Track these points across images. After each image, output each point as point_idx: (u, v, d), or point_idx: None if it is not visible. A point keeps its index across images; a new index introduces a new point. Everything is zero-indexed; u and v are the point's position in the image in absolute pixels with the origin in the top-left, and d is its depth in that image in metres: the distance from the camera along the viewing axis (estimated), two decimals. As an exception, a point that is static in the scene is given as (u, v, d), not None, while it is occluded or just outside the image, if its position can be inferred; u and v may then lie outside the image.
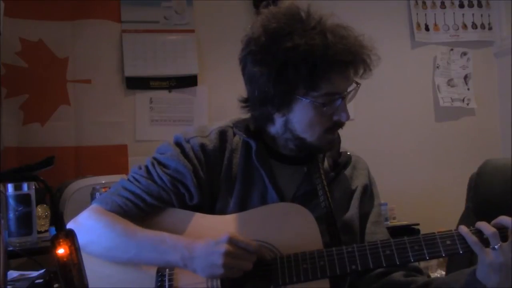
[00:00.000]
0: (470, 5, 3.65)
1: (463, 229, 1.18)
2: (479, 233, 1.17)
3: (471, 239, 1.16)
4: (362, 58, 1.25)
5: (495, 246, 1.14)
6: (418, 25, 3.58)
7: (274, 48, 1.23)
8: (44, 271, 1.37)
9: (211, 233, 1.22)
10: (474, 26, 3.65)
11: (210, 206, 1.33)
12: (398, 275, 1.32)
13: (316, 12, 1.26)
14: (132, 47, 3.15)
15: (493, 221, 1.18)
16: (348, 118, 1.28)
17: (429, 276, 1.38)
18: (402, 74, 3.53)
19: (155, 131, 3.17)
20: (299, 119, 1.28)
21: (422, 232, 1.86)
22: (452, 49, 3.61)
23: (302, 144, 1.31)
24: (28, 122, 2.95)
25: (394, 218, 3.19)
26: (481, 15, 3.66)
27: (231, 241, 1.16)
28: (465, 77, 3.62)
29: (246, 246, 1.17)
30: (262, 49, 1.25)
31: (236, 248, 1.16)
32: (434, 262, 3.02)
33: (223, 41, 3.14)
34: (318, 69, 1.21)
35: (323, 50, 1.21)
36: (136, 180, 1.32)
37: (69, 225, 1.29)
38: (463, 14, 3.64)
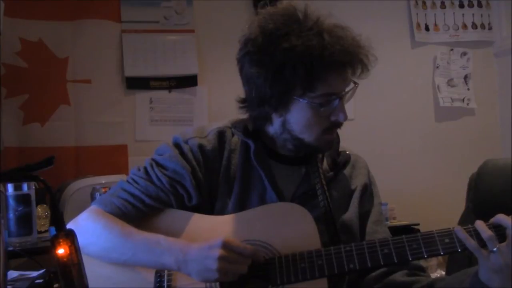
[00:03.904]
0: (470, 5, 3.65)
1: (461, 233, 1.17)
2: (476, 233, 1.16)
3: (470, 243, 1.15)
4: (360, 58, 1.25)
5: (493, 249, 1.14)
6: (418, 25, 3.58)
7: (271, 49, 1.23)
8: (44, 271, 1.37)
9: (210, 233, 1.22)
10: (474, 26, 3.65)
11: (209, 207, 1.33)
12: (400, 275, 1.32)
13: (313, 13, 1.26)
14: (132, 47, 3.15)
15: (491, 220, 1.18)
16: (345, 118, 1.28)
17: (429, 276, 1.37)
18: (402, 74, 3.53)
19: (155, 131, 3.17)
20: (296, 119, 1.28)
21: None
22: (452, 49, 3.61)
23: (301, 144, 1.31)
24: (28, 122, 2.95)
25: (394, 218, 3.20)
26: (481, 15, 3.66)
27: (225, 245, 1.16)
28: (465, 77, 3.62)
29: (241, 250, 1.17)
30: (259, 50, 1.25)
31: (230, 253, 1.16)
32: (434, 262, 3.03)
33: (223, 41, 3.14)
34: (315, 70, 1.21)
35: (320, 51, 1.21)
36: (135, 181, 1.32)
37: (69, 226, 1.29)
38: (463, 14, 3.64)
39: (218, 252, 1.15)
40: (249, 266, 1.18)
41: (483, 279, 1.17)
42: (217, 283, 1.20)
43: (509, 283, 1.14)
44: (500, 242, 1.14)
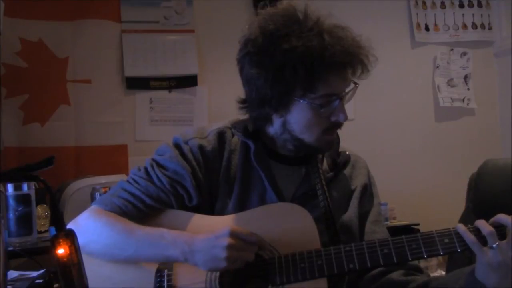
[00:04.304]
0: (470, 5, 3.65)
1: (461, 228, 1.18)
2: (477, 232, 1.17)
3: (469, 238, 1.16)
4: (360, 59, 1.26)
5: (493, 245, 1.14)
6: (418, 25, 3.58)
7: (272, 49, 1.23)
8: (44, 271, 1.37)
9: (210, 233, 1.22)
10: (474, 26, 3.65)
11: (209, 207, 1.33)
12: (397, 274, 1.33)
13: (313, 13, 1.26)
14: (132, 47, 3.15)
15: (491, 219, 1.18)
16: (346, 118, 1.28)
17: (428, 276, 1.37)
18: (402, 74, 3.53)
19: (155, 131, 3.17)
20: (297, 120, 1.28)
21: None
22: (452, 49, 3.61)
23: (301, 144, 1.31)
24: (28, 122, 2.95)
25: (394, 218, 3.20)
26: (481, 15, 3.66)
27: (232, 234, 1.16)
28: (465, 77, 3.62)
29: (247, 238, 1.18)
30: (260, 51, 1.25)
31: (237, 240, 1.16)
32: (434, 262, 3.03)
33: (223, 41, 3.14)
34: (316, 70, 1.21)
35: (320, 52, 1.21)
36: (136, 181, 1.33)
37: (69, 226, 1.29)
38: (463, 14, 3.64)
39: (226, 241, 1.15)
40: (249, 265, 1.18)
41: (480, 277, 1.17)
42: (217, 283, 1.20)
43: (506, 282, 1.14)
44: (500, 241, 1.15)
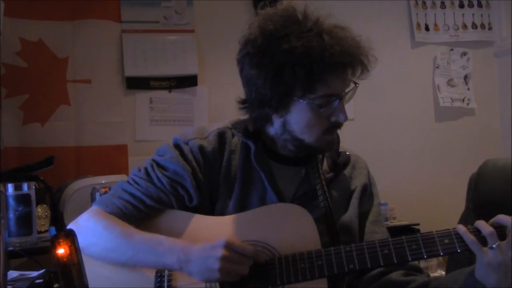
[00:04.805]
0: (470, 5, 3.65)
1: (461, 229, 1.18)
2: (477, 232, 1.17)
3: (469, 238, 1.16)
4: (360, 59, 1.25)
5: (493, 245, 1.14)
6: (418, 25, 3.58)
7: (271, 50, 1.23)
8: (44, 271, 1.38)
9: (210, 234, 1.22)
10: (474, 26, 3.65)
11: (210, 207, 1.33)
12: (397, 275, 1.33)
13: (313, 13, 1.26)
14: (132, 47, 3.16)
15: (491, 220, 1.18)
16: (346, 119, 1.28)
17: (428, 276, 1.37)
18: (402, 74, 3.53)
19: (155, 131, 3.17)
20: (296, 120, 1.28)
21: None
22: (452, 49, 3.61)
23: (301, 145, 1.31)
24: (28, 122, 2.95)
25: (394, 218, 3.20)
26: (481, 15, 3.66)
27: (228, 245, 1.16)
28: (465, 77, 3.62)
29: (243, 251, 1.17)
30: (259, 51, 1.25)
31: (232, 253, 1.16)
32: (434, 262, 3.03)
33: (223, 41, 3.14)
34: (315, 71, 1.21)
35: (320, 52, 1.21)
36: (136, 182, 1.33)
37: (70, 227, 1.29)
38: (463, 14, 3.64)
39: (220, 252, 1.15)
40: (250, 267, 1.18)
41: (479, 277, 1.17)
42: (217, 284, 1.20)
43: (506, 282, 1.14)
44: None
